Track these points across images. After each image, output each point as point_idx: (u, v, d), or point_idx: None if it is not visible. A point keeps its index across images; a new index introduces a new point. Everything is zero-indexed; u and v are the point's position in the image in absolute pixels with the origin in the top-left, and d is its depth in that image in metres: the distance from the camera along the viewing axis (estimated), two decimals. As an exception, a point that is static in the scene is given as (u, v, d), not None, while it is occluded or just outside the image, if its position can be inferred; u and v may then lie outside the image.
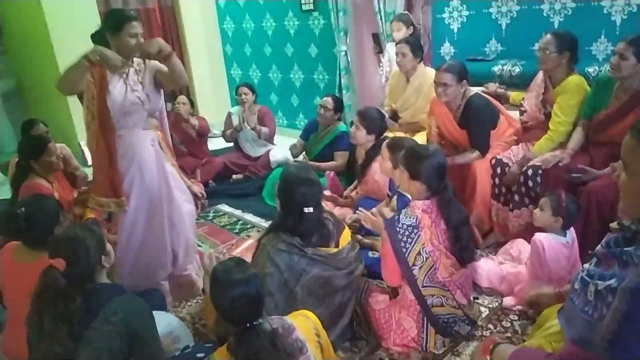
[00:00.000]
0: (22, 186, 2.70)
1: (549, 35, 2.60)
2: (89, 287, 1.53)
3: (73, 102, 4.83)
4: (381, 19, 4.07)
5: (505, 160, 2.71)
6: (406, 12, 3.88)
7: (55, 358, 1.41)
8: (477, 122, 2.78)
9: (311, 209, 1.95)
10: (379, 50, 3.76)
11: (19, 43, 5.40)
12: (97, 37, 2.74)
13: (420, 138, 3.11)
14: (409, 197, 2.36)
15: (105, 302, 1.51)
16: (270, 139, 4.40)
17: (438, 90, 2.78)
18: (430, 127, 3.04)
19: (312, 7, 4.91)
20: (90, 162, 4.69)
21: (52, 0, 4.59)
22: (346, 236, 2.11)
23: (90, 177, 2.90)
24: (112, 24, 2.18)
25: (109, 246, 1.64)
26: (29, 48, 5.22)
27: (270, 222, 2.97)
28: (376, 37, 3.65)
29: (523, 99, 2.87)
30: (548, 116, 2.69)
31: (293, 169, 2.09)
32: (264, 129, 4.28)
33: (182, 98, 4.39)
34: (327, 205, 2.91)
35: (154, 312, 1.67)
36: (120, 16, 2.19)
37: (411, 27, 3.69)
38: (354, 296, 2.12)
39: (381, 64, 3.94)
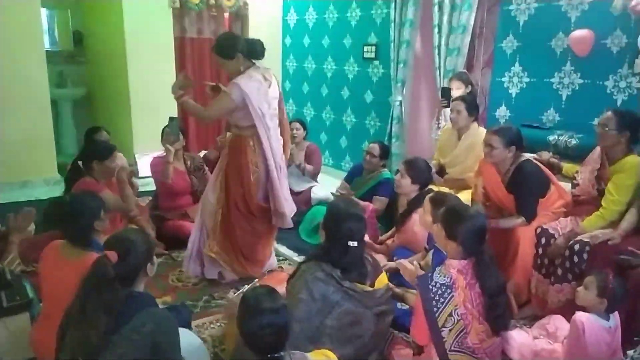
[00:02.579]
0: (75, 184, 2.84)
1: (610, 112, 2.56)
2: (126, 291, 1.58)
3: (135, 115, 5.12)
4: (440, 75, 4.13)
5: (551, 231, 2.63)
6: (465, 71, 3.92)
7: (89, 348, 1.45)
8: (525, 188, 2.73)
9: (356, 243, 1.99)
10: (447, 104, 3.78)
11: (96, 54, 5.79)
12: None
13: (465, 196, 3.07)
14: (446, 253, 2.32)
15: (138, 310, 1.55)
16: (314, 177, 4.45)
17: (485, 150, 2.80)
18: (477, 187, 3.00)
19: (373, 55, 5.04)
20: (141, 173, 4.95)
21: (134, 19, 4.93)
22: (382, 280, 2.11)
23: (141, 188, 3.05)
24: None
25: (155, 258, 1.71)
26: (104, 60, 5.58)
27: (302, 257, 3.01)
28: (446, 91, 3.67)
29: (577, 172, 2.81)
30: (601, 193, 2.61)
31: (342, 204, 2.14)
32: (308, 167, 4.33)
33: None
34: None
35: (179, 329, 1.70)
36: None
37: (469, 86, 3.72)
38: (379, 345, 2.08)
39: (441, 117, 3.96)
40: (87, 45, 5.94)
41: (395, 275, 2.77)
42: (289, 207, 2.97)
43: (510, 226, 2.73)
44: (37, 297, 2.26)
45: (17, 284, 2.24)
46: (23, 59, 4.51)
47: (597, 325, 2.01)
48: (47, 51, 4.86)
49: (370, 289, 2.07)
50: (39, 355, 2.04)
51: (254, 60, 2.81)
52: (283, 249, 3.60)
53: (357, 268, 2.05)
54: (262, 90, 2.71)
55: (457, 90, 3.66)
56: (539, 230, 2.67)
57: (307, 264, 2.06)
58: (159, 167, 3.46)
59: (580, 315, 2.03)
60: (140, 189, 4.09)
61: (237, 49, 2.69)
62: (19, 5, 4.41)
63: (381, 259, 2.93)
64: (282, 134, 2.99)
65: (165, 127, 3.49)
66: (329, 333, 1.93)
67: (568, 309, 2.32)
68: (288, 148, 3.19)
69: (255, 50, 2.77)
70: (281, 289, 2.10)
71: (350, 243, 1.99)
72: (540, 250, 2.65)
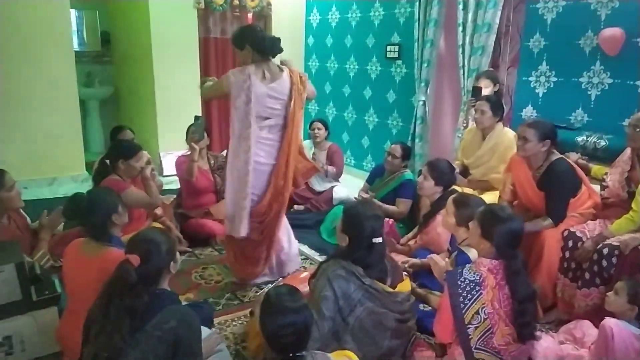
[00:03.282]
0: (102, 182, 2.91)
1: (641, 113, 2.49)
2: (151, 289, 1.60)
3: (160, 114, 5.20)
4: (464, 74, 4.08)
5: (578, 234, 2.57)
6: (492, 69, 3.86)
7: (113, 349, 1.47)
8: (557, 188, 2.65)
9: (380, 239, 2.04)
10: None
11: (123, 54, 5.90)
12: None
13: (488, 197, 3.03)
14: (470, 255, 2.29)
15: (161, 307, 1.57)
16: (336, 178, 4.44)
17: (518, 144, 2.73)
18: (505, 184, 2.94)
19: (396, 55, 5.01)
20: (165, 172, 5.03)
21: (160, 19, 5.01)
22: (406, 285, 2.12)
23: (166, 186, 3.08)
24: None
25: (178, 255, 1.73)
26: (131, 60, 5.68)
27: (324, 257, 3.01)
28: (477, 90, 3.62)
29: (606, 173, 2.73)
30: (631, 195, 2.53)
31: (359, 206, 2.17)
32: (331, 169, 4.33)
33: None
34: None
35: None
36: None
37: (497, 85, 3.66)
38: (402, 347, 2.07)
39: (470, 117, 3.91)
40: (114, 45, 6.06)
41: (417, 276, 2.75)
42: (229, 213, 2.70)
43: (537, 229, 2.67)
44: (64, 292, 2.31)
45: (46, 278, 2.30)
46: (52, 59, 4.62)
47: (627, 332, 1.96)
48: (75, 51, 4.96)
49: (392, 290, 2.07)
50: (65, 349, 2.09)
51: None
52: (304, 249, 3.60)
53: (378, 265, 2.07)
54: (247, 85, 2.57)
55: (486, 88, 3.61)
56: (566, 233, 2.61)
57: (327, 263, 2.09)
58: (183, 165, 3.51)
59: (609, 321, 1.98)
60: (165, 187, 4.15)
61: (247, 41, 2.68)
62: (48, 6, 4.51)
63: (402, 259, 2.91)
64: (284, 144, 2.72)
65: (190, 125, 3.53)
66: (351, 332, 1.94)
67: (595, 314, 2.27)
68: (292, 169, 2.77)
69: (263, 46, 2.66)
70: (303, 288, 2.11)
71: (375, 240, 2.02)
72: (567, 254, 2.59)
